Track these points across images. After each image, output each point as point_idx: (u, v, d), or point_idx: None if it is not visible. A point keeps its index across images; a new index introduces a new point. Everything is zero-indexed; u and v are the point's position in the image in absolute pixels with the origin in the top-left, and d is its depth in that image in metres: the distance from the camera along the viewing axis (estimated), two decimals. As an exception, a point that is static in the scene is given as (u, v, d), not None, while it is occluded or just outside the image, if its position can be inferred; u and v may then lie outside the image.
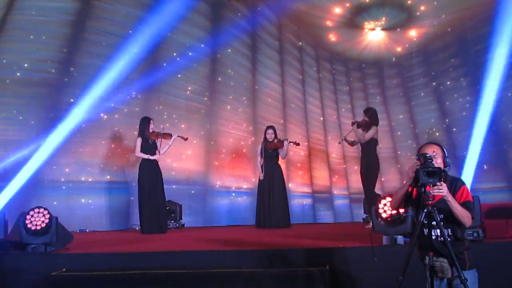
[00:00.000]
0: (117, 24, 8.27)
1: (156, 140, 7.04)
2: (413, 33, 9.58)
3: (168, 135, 7.02)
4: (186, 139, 7.21)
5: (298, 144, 7.44)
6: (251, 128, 9.21)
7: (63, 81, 7.91)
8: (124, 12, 8.35)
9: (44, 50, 7.78)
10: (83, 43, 8.04)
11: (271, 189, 7.18)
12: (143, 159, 6.93)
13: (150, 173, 6.90)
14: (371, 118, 6.70)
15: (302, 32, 10.06)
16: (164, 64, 8.68)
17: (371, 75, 10.36)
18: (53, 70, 7.83)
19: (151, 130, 6.96)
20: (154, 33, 8.21)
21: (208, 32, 9.16)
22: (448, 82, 9.49)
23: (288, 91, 9.85)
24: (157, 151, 7.00)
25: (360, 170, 6.83)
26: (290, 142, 7.34)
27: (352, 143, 6.97)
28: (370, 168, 6.63)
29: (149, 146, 6.95)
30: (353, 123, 6.92)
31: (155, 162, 6.96)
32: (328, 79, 10.45)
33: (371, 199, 6.40)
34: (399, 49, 9.86)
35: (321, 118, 10.28)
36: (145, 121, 7.01)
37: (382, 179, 9.68)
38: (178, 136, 7.10)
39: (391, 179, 9.80)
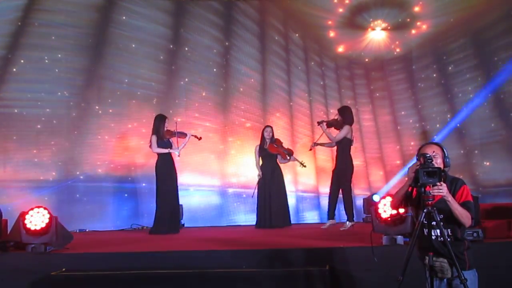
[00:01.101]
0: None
1: (170, 139, 6.89)
2: (415, 32, 9.56)
3: (183, 134, 6.89)
4: (200, 139, 7.04)
5: (304, 166, 7.27)
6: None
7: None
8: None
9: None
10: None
11: (273, 188, 7.15)
12: (160, 158, 6.76)
13: (166, 171, 6.73)
14: (344, 117, 6.50)
15: (305, 34, 9.99)
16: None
17: (374, 75, 10.30)
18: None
19: (165, 129, 6.80)
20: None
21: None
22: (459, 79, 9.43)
23: (294, 93, 9.81)
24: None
25: (332, 169, 6.68)
26: (296, 160, 7.27)
27: (329, 145, 6.82)
28: (342, 169, 6.46)
29: (164, 144, 6.79)
30: (319, 122, 6.70)
31: (172, 161, 6.80)
32: (332, 78, 10.39)
33: (345, 200, 6.40)
34: (398, 49, 9.85)
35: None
36: (160, 119, 6.83)
37: (369, 179, 9.70)
38: (192, 135, 6.95)
39: (377, 180, 9.80)
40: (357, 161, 9.90)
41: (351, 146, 6.55)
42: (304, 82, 9.84)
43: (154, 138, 6.75)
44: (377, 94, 9.75)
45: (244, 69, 9.14)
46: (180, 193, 7.00)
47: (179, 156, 6.90)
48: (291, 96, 9.66)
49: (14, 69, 7.92)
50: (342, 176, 6.45)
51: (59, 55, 8.07)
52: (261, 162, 7.31)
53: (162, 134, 6.77)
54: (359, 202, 8.70)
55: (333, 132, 6.61)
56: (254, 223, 7.31)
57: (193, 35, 8.85)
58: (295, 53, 9.86)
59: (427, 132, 9.27)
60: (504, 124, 8.53)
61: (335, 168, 6.60)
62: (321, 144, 6.88)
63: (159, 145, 6.76)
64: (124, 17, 8.42)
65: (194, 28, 8.84)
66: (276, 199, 7.12)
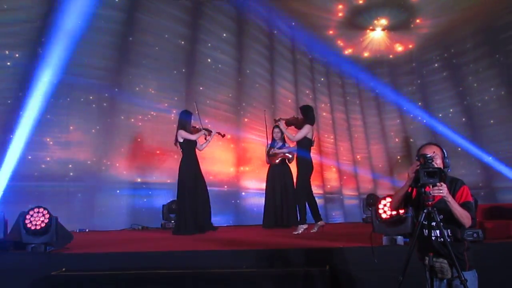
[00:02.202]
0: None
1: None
2: (415, 32, 9.57)
3: (208, 132, 6.78)
4: (224, 136, 6.97)
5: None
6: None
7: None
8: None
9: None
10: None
11: (282, 189, 7.11)
12: (185, 157, 6.59)
13: (191, 170, 6.57)
14: (305, 116, 6.31)
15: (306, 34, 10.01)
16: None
17: (375, 75, 10.32)
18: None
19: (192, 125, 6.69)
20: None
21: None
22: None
23: (300, 98, 9.82)
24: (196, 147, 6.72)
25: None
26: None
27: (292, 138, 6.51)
28: (300, 169, 6.18)
29: (190, 140, 6.63)
30: (276, 120, 6.59)
31: (197, 160, 6.66)
32: (335, 82, 10.43)
33: (298, 200, 6.18)
34: (400, 48, 9.86)
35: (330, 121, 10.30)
36: (187, 114, 6.70)
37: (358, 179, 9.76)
38: (217, 132, 6.85)
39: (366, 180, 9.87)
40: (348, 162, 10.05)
41: (311, 147, 6.31)
42: (305, 83, 9.91)
43: (184, 132, 6.52)
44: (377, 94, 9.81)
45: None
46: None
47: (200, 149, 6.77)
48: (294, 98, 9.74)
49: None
50: (300, 174, 6.19)
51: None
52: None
53: (189, 129, 6.61)
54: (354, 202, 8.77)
55: (292, 131, 6.43)
56: (254, 223, 7.31)
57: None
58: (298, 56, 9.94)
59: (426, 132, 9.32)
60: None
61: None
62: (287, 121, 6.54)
63: (184, 142, 6.55)
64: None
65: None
66: (287, 199, 7.08)
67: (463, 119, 9.48)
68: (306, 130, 6.18)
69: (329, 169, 10.10)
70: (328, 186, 9.96)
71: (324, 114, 10.26)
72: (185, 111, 6.79)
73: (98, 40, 8.11)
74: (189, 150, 6.59)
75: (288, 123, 6.45)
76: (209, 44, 9.07)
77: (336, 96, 10.52)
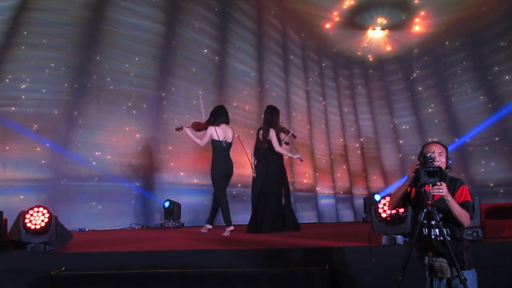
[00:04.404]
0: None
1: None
2: (413, 32, 9.57)
3: (288, 132, 6.72)
4: (295, 137, 6.91)
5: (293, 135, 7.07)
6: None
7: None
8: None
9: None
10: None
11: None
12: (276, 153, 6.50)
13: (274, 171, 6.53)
14: (208, 118, 6.35)
15: (305, 34, 9.99)
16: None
17: (374, 75, 10.31)
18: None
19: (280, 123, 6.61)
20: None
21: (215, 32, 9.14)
22: (455, 83, 9.44)
23: (293, 94, 9.81)
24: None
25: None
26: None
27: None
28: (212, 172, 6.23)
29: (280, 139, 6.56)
30: (177, 129, 6.56)
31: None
32: (331, 77, 10.39)
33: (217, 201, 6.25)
34: (400, 48, 9.85)
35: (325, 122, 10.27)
36: (276, 112, 6.60)
37: (369, 178, 9.72)
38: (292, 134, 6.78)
39: (376, 178, 9.82)
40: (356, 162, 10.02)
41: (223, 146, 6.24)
42: (303, 81, 9.88)
43: (273, 132, 6.40)
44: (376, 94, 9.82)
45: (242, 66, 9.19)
46: (179, 192, 6.98)
47: (301, 160, 6.72)
48: (289, 95, 9.70)
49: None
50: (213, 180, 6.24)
51: (52, 54, 7.99)
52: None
53: (278, 128, 6.50)
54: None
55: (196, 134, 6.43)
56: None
57: (187, 31, 8.88)
58: (294, 51, 9.90)
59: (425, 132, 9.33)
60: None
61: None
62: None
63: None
64: (117, 15, 8.41)
65: (188, 25, 8.89)
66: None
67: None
68: (208, 132, 6.17)
69: (341, 169, 10.02)
70: (338, 185, 9.94)
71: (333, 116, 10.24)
72: (271, 107, 6.69)
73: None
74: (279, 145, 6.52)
75: (196, 129, 6.41)
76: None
77: (345, 98, 10.47)
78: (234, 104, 8.86)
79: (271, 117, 6.55)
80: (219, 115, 6.26)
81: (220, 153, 6.15)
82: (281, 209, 6.65)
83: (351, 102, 10.26)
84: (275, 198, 6.64)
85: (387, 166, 9.93)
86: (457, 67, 9.37)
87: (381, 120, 10.11)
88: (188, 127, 6.40)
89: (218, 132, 6.13)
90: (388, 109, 10.04)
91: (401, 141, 9.87)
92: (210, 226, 6.44)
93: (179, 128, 6.48)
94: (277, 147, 6.40)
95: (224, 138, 6.17)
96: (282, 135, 6.71)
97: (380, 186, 9.65)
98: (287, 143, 6.77)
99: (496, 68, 8.85)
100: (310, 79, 10.00)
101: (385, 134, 10.03)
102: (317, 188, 9.75)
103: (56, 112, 7.98)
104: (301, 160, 6.81)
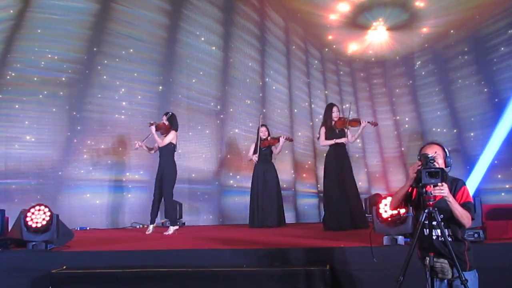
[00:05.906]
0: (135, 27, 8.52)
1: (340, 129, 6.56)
2: (417, 32, 9.55)
3: (356, 121, 6.61)
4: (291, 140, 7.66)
5: (291, 140, 7.67)
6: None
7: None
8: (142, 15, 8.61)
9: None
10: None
11: (265, 188, 7.17)
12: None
13: (332, 165, 6.49)
14: (170, 123, 6.58)
15: (307, 34, 9.97)
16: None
17: (376, 75, 10.28)
18: (69, 70, 8.12)
19: (334, 118, 6.56)
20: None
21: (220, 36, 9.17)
22: (460, 81, 9.40)
23: (294, 94, 9.80)
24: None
25: (156, 176, 6.63)
26: (286, 139, 7.34)
27: (149, 149, 6.77)
28: (166, 174, 6.45)
29: (335, 136, 6.52)
30: (151, 124, 6.63)
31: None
32: (333, 80, 10.37)
33: (167, 205, 6.47)
34: (402, 48, 9.83)
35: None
36: (326, 109, 6.66)
37: (388, 179, 9.64)
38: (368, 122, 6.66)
39: (397, 179, 9.75)
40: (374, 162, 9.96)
41: (175, 152, 6.61)
42: (304, 82, 9.86)
43: (323, 130, 6.53)
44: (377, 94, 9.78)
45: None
46: (180, 192, 6.99)
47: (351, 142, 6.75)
48: (292, 96, 9.69)
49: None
50: (164, 180, 6.45)
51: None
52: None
53: (331, 124, 6.52)
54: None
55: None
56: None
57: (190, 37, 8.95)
58: (294, 51, 9.89)
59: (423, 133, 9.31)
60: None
61: (158, 174, 6.60)
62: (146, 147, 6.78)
63: (328, 138, 6.51)
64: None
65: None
66: (270, 198, 7.15)
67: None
68: (172, 136, 6.52)
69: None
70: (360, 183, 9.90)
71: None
72: (330, 105, 6.73)
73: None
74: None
75: (157, 127, 6.58)
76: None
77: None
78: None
79: (324, 115, 6.72)
80: (176, 122, 6.67)
81: (173, 156, 6.60)
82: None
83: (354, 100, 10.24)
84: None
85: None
86: (459, 68, 9.35)
87: (382, 119, 10.09)
88: (155, 126, 6.57)
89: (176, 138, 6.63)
90: (390, 109, 10.02)
91: (401, 141, 9.86)
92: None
93: (152, 124, 6.60)
94: (321, 142, 6.67)
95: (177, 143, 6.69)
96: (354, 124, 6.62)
97: (382, 186, 9.62)
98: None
99: (499, 68, 8.83)
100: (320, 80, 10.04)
101: (386, 134, 10.00)
102: (317, 187, 9.76)
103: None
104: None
